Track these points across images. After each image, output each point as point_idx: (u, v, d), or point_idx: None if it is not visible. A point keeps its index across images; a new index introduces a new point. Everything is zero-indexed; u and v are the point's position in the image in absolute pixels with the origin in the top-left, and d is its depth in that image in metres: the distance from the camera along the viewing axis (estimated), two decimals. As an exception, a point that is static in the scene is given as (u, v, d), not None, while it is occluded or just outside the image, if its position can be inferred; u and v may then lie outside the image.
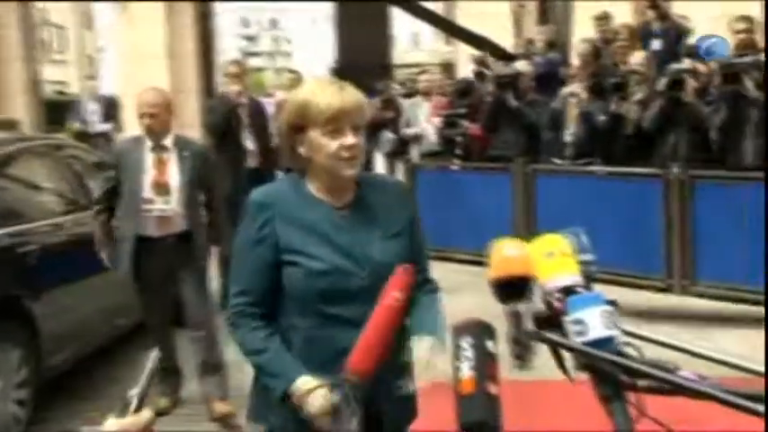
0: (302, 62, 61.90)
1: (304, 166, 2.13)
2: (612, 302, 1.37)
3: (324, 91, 2.07)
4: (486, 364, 1.29)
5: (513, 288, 1.38)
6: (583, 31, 9.82)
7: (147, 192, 4.41)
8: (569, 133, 7.41)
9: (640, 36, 8.15)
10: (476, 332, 1.33)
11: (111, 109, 11.47)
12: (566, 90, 7.43)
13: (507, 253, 1.43)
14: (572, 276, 1.35)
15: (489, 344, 1.32)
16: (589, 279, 1.41)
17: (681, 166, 6.68)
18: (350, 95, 2.07)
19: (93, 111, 11.17)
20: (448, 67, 10.88)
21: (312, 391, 1.91)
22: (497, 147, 8.06)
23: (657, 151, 6.94)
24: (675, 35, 7.93)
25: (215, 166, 4.96)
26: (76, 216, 5.14)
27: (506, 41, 10.30)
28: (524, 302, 1.38)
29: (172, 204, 4.41)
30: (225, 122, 6.92)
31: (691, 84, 6.80)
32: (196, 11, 14.41)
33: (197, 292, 4.53)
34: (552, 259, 1.37)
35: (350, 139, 2.05)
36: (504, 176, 7.66)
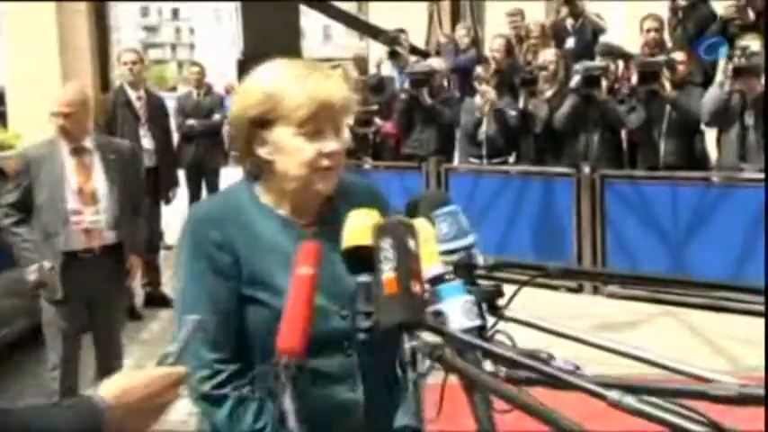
0: (206, 54, 61.03)
1: (259, 170, 1.76)
2: (496, 291, 1.39)
3: (304, 77, 1.68)
4: (408, 263, 1.28)
5: (363, 258, 1.36)
6: (494, 30, 10.02)
7: (72, 202, 4.05)
8: (482, 131, 7.56)
9: (554, 34, 8.35)
10: (396, 232, 1.31)
11: None
12: (478, 101, 7.58)
13: (359, 222, 1.42)
14: (437, 266, 1.36)
15: (411, 242, 1.31)
16: (471, 266, 1.41)
17: (592, 165, 6.91)
18: (337, 87, 1.70)
19: None
20: (360, 63, 10.88)
21: None
22: (410, 145, 8.17)
23: (568, 150, 7.17)
24: (591, 33, 8.15)
25: (142, 168, 4.62)
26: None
27: (418, 39, 10.40)
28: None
29: (101, 214, 4.09)
30: (110, 118, 6.73)
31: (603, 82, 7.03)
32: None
33: (113, 320, 4.28)
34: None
35: (331, 143, 1.68)
36: (417, 175, 7.76)
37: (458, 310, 1.31)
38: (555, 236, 7.10)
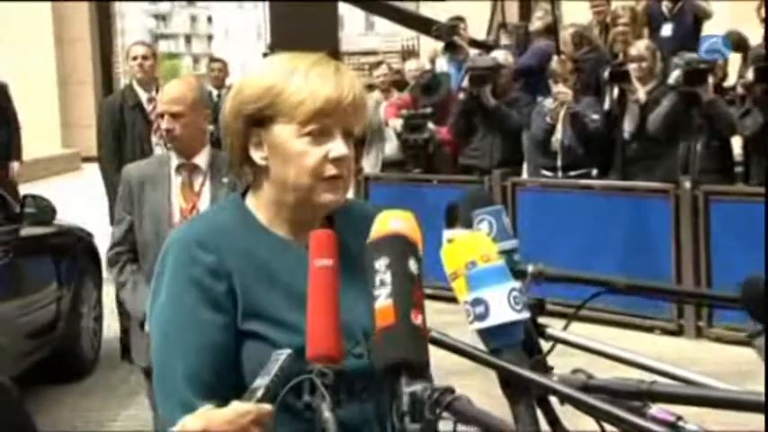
0: (226, 47, 61.88)
1: (254, 179, 1.78)
2: (537, 305, 1.52)
3: (308, 70, 1.69)
4: (408, 289, 1.27)
5: None
6: (572, 17, 10.00)
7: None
8: (555, 139, 7.52)
9: (647, 20, 8.29)
10: (394, 251, 1.30)
11: None
12: (551, 102, 7.56)
13: (390, 225, 1.39)
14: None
15: (412, 264, 1.29)
16: (516, 272, 1.50)
17: (694, 179, 6.81)
18: (348, 83, 1.69)
19: None
20: (409, 57, 10.94)
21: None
22: (470, 155, 8.15)
23: (665, 161, 7.07)
24: (692, 20, 8.08)
25: None
26: None
27: (477, 30, 10.42)
28: None
29: None
30: (119, 125, 6.81)
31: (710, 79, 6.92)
32: (92, -18, 14.30)
33: None
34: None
35: (339, 146, 1.68)
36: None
37: (503, 300, 1.29)
38: (648, 265, 6.98)
